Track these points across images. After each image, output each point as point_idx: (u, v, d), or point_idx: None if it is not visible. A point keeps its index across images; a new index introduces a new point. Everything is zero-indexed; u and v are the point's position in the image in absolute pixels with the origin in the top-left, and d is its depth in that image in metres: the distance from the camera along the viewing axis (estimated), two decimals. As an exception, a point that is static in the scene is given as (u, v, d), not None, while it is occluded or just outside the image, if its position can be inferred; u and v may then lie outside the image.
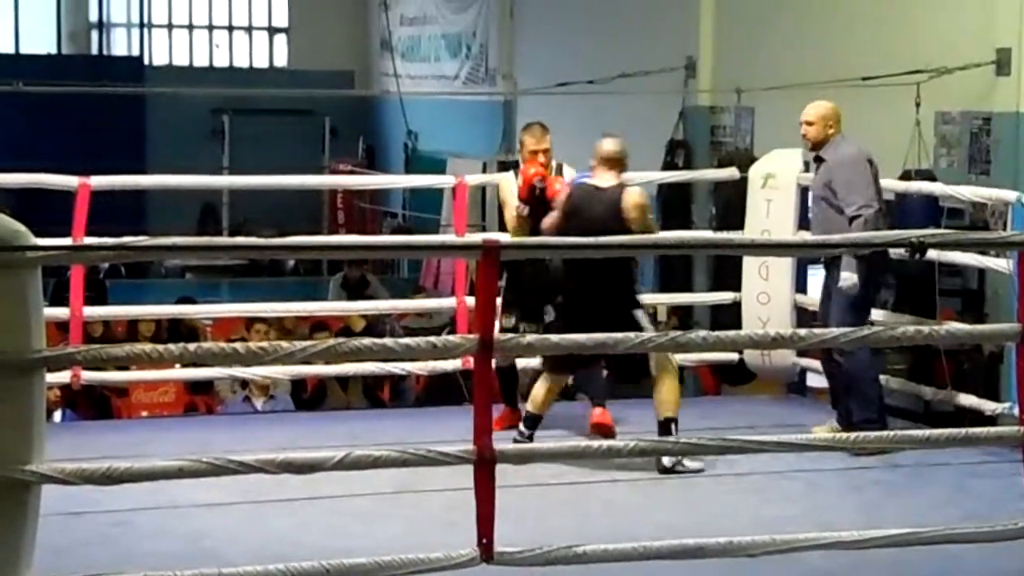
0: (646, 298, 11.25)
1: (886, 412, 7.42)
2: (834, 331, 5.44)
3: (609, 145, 6.99)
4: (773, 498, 6.39)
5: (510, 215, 7.48)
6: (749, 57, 12.15)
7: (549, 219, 7.03)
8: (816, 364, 8.19)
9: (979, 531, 5.24)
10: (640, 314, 6.85)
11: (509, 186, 7.55)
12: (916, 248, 5.71)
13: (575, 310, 6.83)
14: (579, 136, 14.31)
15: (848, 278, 7.16)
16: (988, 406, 7.61)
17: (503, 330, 7.34)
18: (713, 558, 5.04)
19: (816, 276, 8.30)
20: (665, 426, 6.71)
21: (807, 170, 8.63)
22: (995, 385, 8.62)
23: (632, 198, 6.85)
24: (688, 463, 6.68)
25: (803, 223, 7.98)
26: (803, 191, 8.36)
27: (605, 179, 6.91)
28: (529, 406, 7.09)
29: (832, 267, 7.33)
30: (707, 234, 9.49)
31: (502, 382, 7.65)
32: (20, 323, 4.39)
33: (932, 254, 7.64)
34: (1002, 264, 7.48)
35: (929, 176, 9.34)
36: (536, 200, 7.33)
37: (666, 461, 6.62)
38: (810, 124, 7.41)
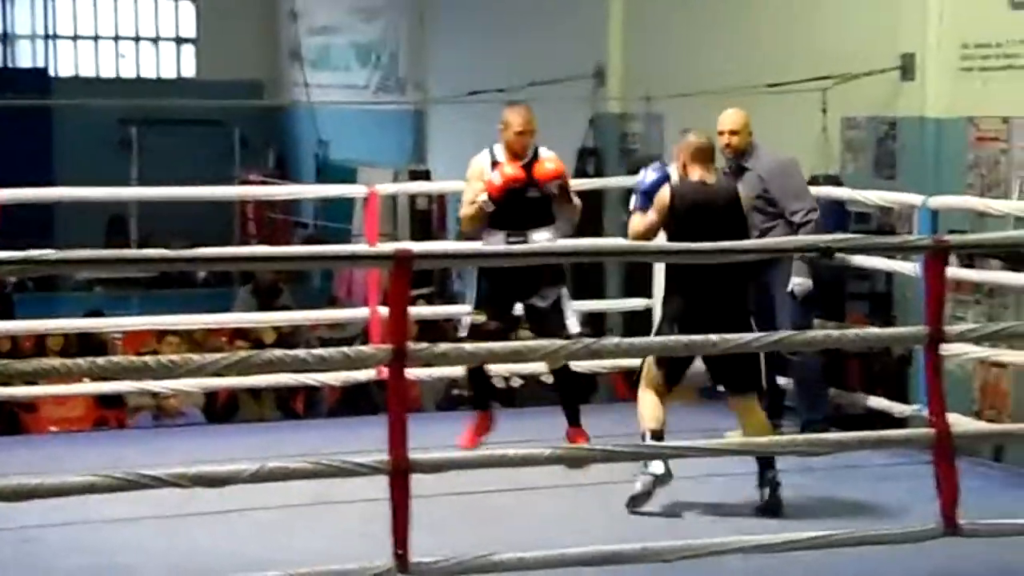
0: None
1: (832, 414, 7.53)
2: (747, 336, 5.48)
3: (701, 139, 6.49)
4: (689, 503, 6.42)
5: (471, 200, 7.05)
6: (658, 64, 12.22)
7: (643, 223, 6.46)
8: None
9: (891, 533, 5.30)
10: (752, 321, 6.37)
11: (481, 168, 7.09)
12: (824, 253, 5.78)
13: (696, 314, 6.22)
14: (490, 144, 14.36)
15: (802, 282, 7.27)
16: (898, 408, 7.71)
17: (472, 326, 7.04)
18: (630, 564, 5.07)
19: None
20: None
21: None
22: (904, 387, 8.73)
23: (743, 191, 6.55)
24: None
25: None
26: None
27: (703, 174, 6.42)
28: (651, 424, 6.28)
29: (769, 271, 7.35)
30: (619, 241, 9.54)
31: (475, 383, 7.26)
32: (-74, 339, 4.33)
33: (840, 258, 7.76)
34: (909, 267, 7.58)
35: (836, 181, 9.43)
36: (509, 193, 6.94)
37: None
38: (735, 133, 7.46)
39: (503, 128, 7.12)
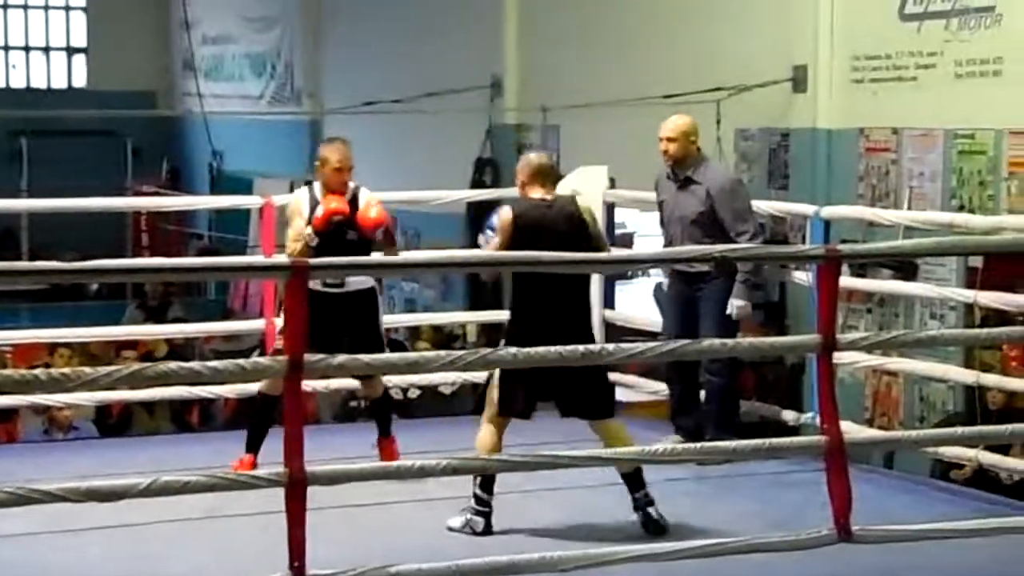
0: (458, 316, 11.35)
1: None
2: (640, 346, 5.49)
3: (542, 158, 6.44)
4: (585, 512, 6.44)
5: (295, 237, 6.89)
6: (554, 76, 12.28)
7: (491, 246, 6.31)
8: (626, 379, 8.28)
9: (785, 540, 5.34)
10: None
11: (300, 206, 6.95)
12: (721, 263, 5.81)
13: (538, 331, 6.03)
14: (386, 155, 14.35)
15: (743, 305, 7.24)
16: (791, 416, 7.78)
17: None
18: (526, 574, 5.07)
19: (626, 289, 8.40)
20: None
21: (613, 186, 8.74)
22: (797, 395, 8.82)
23: (586, 205, 6.37)
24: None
25: (611, 239, 8.05)
26: (609, 207, 8.44)
27: (543, 193, 6.30)
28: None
29: (700, 288, 7.31)
30: (517, 251, 9.54)
31: (259, 418, 7.00)
32: None
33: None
34: (802, 276, 7.66)
35: (730, 192, 9.51)
36: (330, 233, 6.79)
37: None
38: (672, 140, 7.33)
39: (320, 165, 6.96)
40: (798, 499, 6.48)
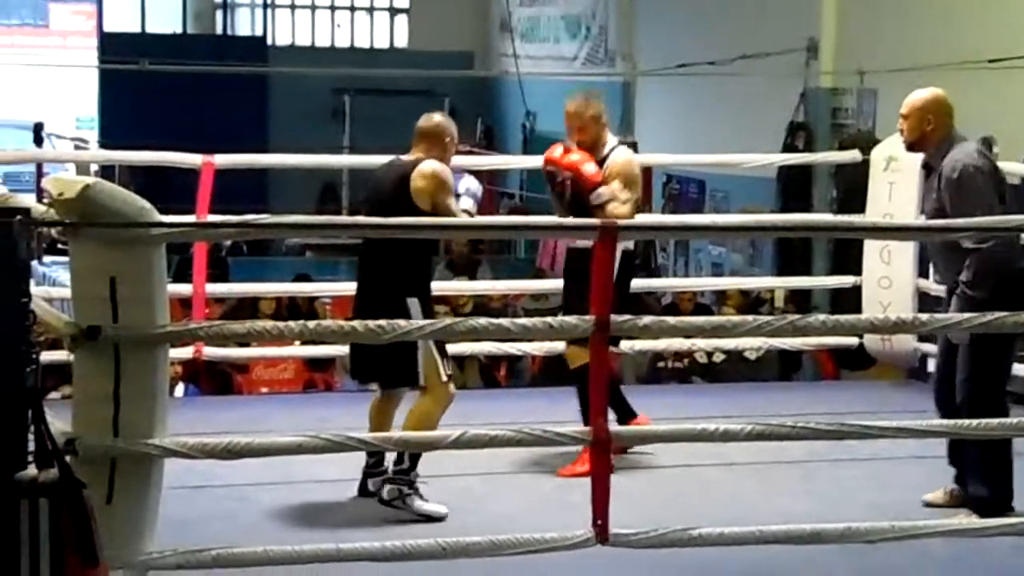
0: (765, 281, 11.24)
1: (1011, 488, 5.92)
2: (955, 316, 5.33)
3: (423, 120, 6.08)
4: (893, 485, 6.32)
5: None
6: (872, 38, 12.00)
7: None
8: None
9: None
10: (414, 304, 5.81)
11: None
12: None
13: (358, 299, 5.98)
14: (698, 117, 14.29)
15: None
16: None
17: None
18: (831, 544, 5.01)
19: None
20: (397, 462, 5.81)
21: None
22: None
23: (423, 168, 5.81)
24: (421, 505, 5.77)
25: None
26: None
27: (415, 154, 5.97)
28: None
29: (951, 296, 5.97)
30: (828, 217, 9.41)
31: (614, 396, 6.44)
32: (145, 299, 4.46)
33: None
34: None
35: (1060, 163, 9.13)
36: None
37: (386, 493, 5.80)
38: (904, 117, 6.00)
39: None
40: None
